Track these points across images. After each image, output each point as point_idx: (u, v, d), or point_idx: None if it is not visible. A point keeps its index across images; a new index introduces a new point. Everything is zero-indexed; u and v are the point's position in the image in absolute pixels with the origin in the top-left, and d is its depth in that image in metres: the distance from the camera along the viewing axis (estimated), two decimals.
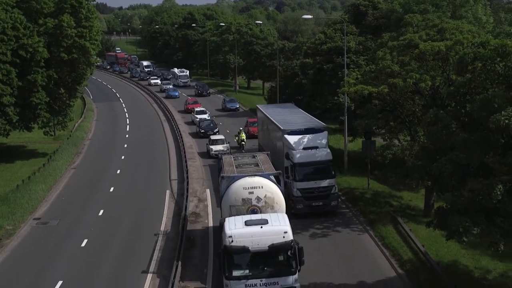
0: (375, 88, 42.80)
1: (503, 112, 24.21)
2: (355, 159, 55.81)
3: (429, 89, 41.04)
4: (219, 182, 37.16)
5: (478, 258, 35.38)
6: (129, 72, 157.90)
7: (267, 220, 29.55)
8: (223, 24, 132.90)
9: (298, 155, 43.95)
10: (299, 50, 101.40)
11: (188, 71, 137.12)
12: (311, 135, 45.74)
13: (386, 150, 45.24)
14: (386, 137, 47.89)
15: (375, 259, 36.06)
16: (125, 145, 71.02)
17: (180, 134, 74.27)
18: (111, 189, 52.11)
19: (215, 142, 64.87)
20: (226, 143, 64.47)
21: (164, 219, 44.13)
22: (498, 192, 24.58)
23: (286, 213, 33.07)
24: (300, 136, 45.48)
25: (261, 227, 28.99)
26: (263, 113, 57.30)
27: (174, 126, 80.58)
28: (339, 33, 68.50)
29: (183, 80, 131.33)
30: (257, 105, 65.06)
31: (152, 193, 50.96)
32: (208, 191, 50.68)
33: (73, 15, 62.48)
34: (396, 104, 44.17)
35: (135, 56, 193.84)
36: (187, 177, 53.21)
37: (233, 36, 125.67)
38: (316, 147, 44.67)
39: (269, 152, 43.66)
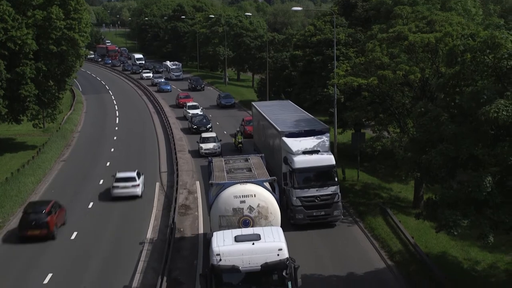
0: (365, 80, 42.86)
1: (492, 105, 24.27)
2: (344, 151, 55.91)
3: (419, 81, 41.16)
4: (208, 189, 34.19)
5: (467, 249, 35.57)
6: (121, 65, 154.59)
7: (259, 235, 26.34)
8: (213, 16, 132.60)
9: (297, 160, 39.97)
10: (288, 42, 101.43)
11: (180, 64, 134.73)
12: (311, 137, 42.19)
13: (376, 142, 45.30)
14: (376, 129, 47.94)
15: (365, 250, 36.21)
16: (115, 138, 70.84)
17: (171, 127, 74.13)
18: (101, 182, 51.99)
19: (206, 140, 61.33)
20: (218, 141, 61.02)
21: (154, 211, 44.11)
22: (487, 184, 24.66)
23: (283, 224, 31.51)
24: (299, 139, 41.87)
25: (253, 243, 25.71)
26: (258, 111, 53.81)
27: (164, 121, 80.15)
28: (329, 25, 68.48)
29: (175, 73, 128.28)
30: (252, 102, 61.43)
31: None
32: (198, 183, 50.65)
33: (62, 7, 62.10)
34: (386, 96, 44.22)
35: (124, 48, 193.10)
36: (177, 170, 53.14)
37: (223, 28, 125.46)
38: (317, 151, 40.83)
39: (263, 155, 40.59)
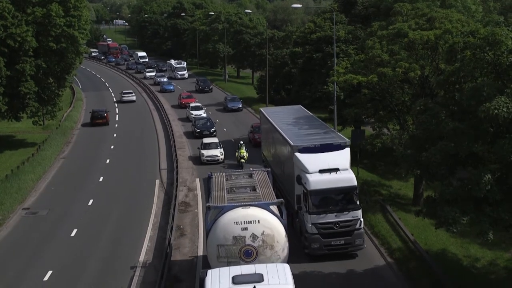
0: (365, 77, 42.86)
1: (492, 102, 24.26)
2: None
3: (418, 78, 41.15)
4: (206, 212, 30.36)
5: (467, 246, 35.58)
6: (125, 64, 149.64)
7: (262, 276, 22.35)
8: (213, 13, 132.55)
9: (313, 180, 34.12)
10: (288, 39, 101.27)
11: (185, 63, 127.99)
12: (329, 153, 36.09)
13: (376, 139, 45.35)
14: (376, 126, 47.99)
15: (364, 247, 36.21)
16: (115, 135, 70.82)
17: (171, 125, 74.08)
18: (101, 179, 52.01)
19: (208, 146, 56.82)
20: (221, 148, 56.81)
21: (154, 208, 44.11)
22: (487, 181, 24.66)
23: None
24: (315, 155, 35.89)
25: (254, 286, 21.70)
26: (267, 118, 47.23)
27: (164, 119, 79.98)
28: (329, 22, 68.46)
29: (180, 73, 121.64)
30: (260, 109, 53.61)
31: (141, 182, 50.88)
32: (197, 180, 50.66)
33: (61, 4, 62.07)
34: (386, 93, 44.24)
35: (125, 45, 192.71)
36: (177, 167, 53.15)
37: (223, 25, 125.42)
38: (336, 169, 34.73)
39: (269, 169, 37.14)
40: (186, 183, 49.74)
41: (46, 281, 32.61)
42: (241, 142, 55.89)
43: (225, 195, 30.42)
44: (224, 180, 33.32)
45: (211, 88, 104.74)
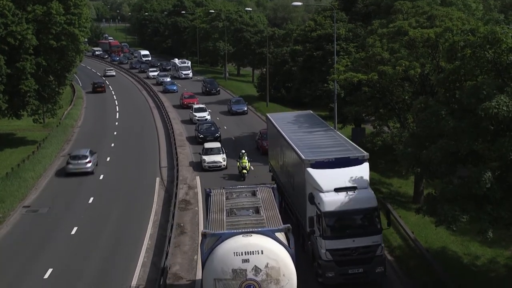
0: (365, 75, 42.87)
1: (493, 101, 24.27)
2: None
3: (419, 76, 41.15)
4: (201, 239, 26.20)
5: (467, 244, 35.59)
6: (128, 62, 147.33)
7: None
8: (213, 11, 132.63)
9: (327, 200, 30.20)
10: (289, 37, 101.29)
11: (189, 62, 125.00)
12: (345, 168, 31.94)
13: (376, 137, 45.40)
14: (376, 124, 48.01)
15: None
16: (115, 133, 70.83)
17: (171, 122, 74.05)
18: (101, 177, 52.02)
19: (210, 151, 53.39)
20: (223, 153, 53.33)
21: (154, 206, 44.11)
22: (487, 180, 24.69)
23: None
24: (330, 171, 31.74)
25: None
26: (274, 126, 42.78)
27: (165, 116, 79.96)
28: (329, 20, 68.50)
29: (184, 72, 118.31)
30: (267, 114, 48.57)
31: (142, 180, 50.90)
32: (198, 178, 50.65)
33: (62, 2, 62.02)
34: (386, 91, 44.25)
35: (125, 43, 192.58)
36: (177, 165, 53.14)
37: (223, 23, 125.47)
38: (353, 188, 30.88)
39: (274, 185, 33.01)
40: (187, 181, 49.74)
41: (47, 279, 32.60)
42: (243, 151, 50.73)
43: (224, 219, 26.90)
44: (224, 198, 29.82)
45: (219, 90, 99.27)
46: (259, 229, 25.13)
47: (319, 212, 30.27)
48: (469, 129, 26.22)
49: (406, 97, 43.56)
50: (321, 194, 30.47)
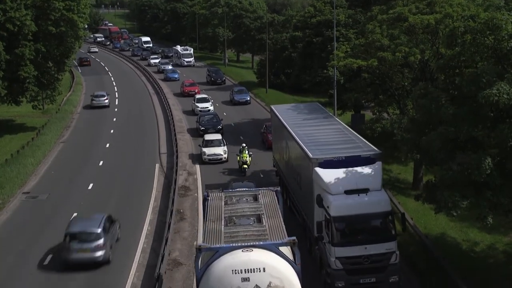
0: (365, 62, 42.84)
1: (493, 89, 24.24)
2: None
3: (418, 62, 41.11)
4: (196, 254, 23.47)
5: (466, 230, 35.68)
6: (130, 50, 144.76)
7: None
8: None
9: (337, 204, 27.89)
10: (288, 23, 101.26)
11: (192, 49, 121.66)
12: (356, 168, 29.74)
13: (375, 124, 45.39)
14: (375, 111, 48.03)
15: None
16: (114, 119, 70.80)
17: (170, 109, 73.95)
18: (100, 163, 52.04)
19: (210, 143, 51.84)
20: (224, 145, 51.69)
21: (154, 192, 44.16)
22: (487, 166, 24.70)
23: None
24: (339, 170, 29.44)
25: None
26: (279, 119, 40.49)
27: (164, 102, 79.81)
28: (329, 6, 68.43)
29: (186, 60, 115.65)
30: (271, 106, 46.75)
31: (141, 166, 50.93)
32: (197, 164, 50.67)
33: None
34: (386, 77, 44.23)
35: (125, 29, 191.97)
36: (177, 151, 53.15)
37: (222, 9, 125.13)
38: (365, 190, 28.43)
39: (278, 189, 30.29)
40: (186, 167, 49.77)
41: (47, 265, 32.66)
42: (244, 144, 48.44)
43: (222, 229, 24.35)
44: (223, 203, 27.53)
45: (224, 80, 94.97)
46: (261, 243, 22.51)
47: (327, 217, 27.89)
48: (469, 115, 26.21)
49: (406, 84, 43.54)
50: (330, 197, 28.16)
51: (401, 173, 47.21)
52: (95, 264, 31.69)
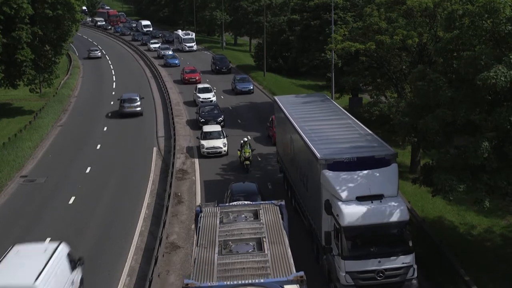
0: (362, 45, 42.77)
1: (491, 71, 24.22)
2: None
3: (416, 45, 41.05)
4: None
5: (463, 214, 35.75)
6: (131, 34, 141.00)
7: None
8: None
9: (348, 212, 25.07)
10: (286, 6, 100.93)
11: (194, 34, 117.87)
12: (370, 171, 26.85)
13: (373, 107, 45.44)
14: (373, 94, 48.03)
15: None
16: (112, 102, 70.65)
17: (168, 92, 73.81)
18: (98, 146, 52.02)
19: (209, 135, 49.15)
20: (224, 137, 48.94)
21: (152, 175, 44.18)
22: (484, 149, 24.73)
23: None
24: (350, 174, 26.54)
25: None
26: (283, 112, 37.39)
27: (161, 86, 79.64)
28: None
29: (188, 45, 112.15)
30: (275, 97, 43.41)
31: (139, 150, 50.92)
32: (194, 147, 50.66)
33: None
34: (383, 61, 44.16)
35: (122, 13, 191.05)
36: (174, 134, 53.13)
37: None
38: (380, 196, 25.76)
39: (283, 203, 26.19)
40: (184, 151, 49.78)
41: None
42: (245, 139, 45.24)
43: (215, 259, 20.73)
44: (218, 222, 24.05)
45: (230, 68, 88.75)
46: (262, 281, 18.90)
47: (337, 226, 25.27)
48: (467, 99, 26.20)
49: (404, 67, 43.48)
50: (340, 204, 25.33)
51: (399, 157, 47.02)
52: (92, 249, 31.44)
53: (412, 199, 36.69)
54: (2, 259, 24.74)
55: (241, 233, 22.78)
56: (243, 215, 24.96)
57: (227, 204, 27.44)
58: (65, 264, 25.15)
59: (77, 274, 26.35)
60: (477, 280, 26.82)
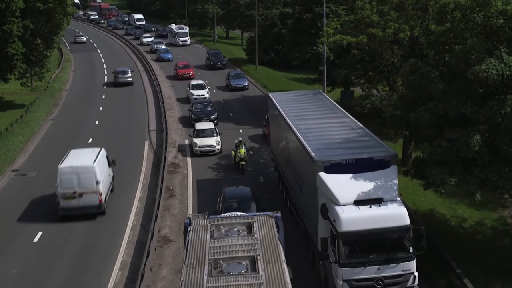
0: (354, 38, 42.75)
1: (482, 65, 24.26)
2: None
3: (408, 39, 41.05)
4: None
5: (454, 207, 35.84)
6: (124, 28, 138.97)
7: None
8: None
9: (346, 217, 23.95)
10: None
11: (187, 28, 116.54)
12: (368, 173, 25.76)
13: (365, 100, 45.39)
14: (365, 87, 48.01)
15: None
16: (103, 96, 70.51)
17: (159, 85, 73.73)
18: (90, 140, 51.86)
19: (202, 133, 47.55)
20: (217, 135, 47.43)
21: (144, 169, 44.12)
22: (476, 142, 24.79)
23: None
24: (348, 176, 25.59)
25: None
26: (277, 108, 36.28)
27: (153, 79, 79.61)
28: None
29: (181, 39, 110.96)
30: (269, 94, 42.07)
31: (131, 143, 50.81)
32: (187, 141, 50.59)
33: None
34: (375, 54, 44.16)
35: (114, 6, 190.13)
36: (166, 128, 53.05)
37: None
38: (379, 200, 24.73)
39: (278, 214, 24.61)
40: (176, 144, 49.71)
41: (36, 242, 32.74)
42: (240, 138, 43.96)
43: (204, 283, 18.92)
44: (208, 237, 22.16)
45: (225, 64, 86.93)
46: None
47: (334, 232, 24.19)
48: (458, 92, 26.25)
49: (395, 60, 43.48)
50: (337, 209, 24.23)
51: None
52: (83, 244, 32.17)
53: (404, 192, 36.71)
54: (66, 156, 36.98)
55: (233, 250, 20.91)
56: (235, 229, 23.05)
57: (218, 216, 25.52)
58: (105, 160, 37.64)
59: (111, 171, 38.79)
60: (468, 273, 26.94)
